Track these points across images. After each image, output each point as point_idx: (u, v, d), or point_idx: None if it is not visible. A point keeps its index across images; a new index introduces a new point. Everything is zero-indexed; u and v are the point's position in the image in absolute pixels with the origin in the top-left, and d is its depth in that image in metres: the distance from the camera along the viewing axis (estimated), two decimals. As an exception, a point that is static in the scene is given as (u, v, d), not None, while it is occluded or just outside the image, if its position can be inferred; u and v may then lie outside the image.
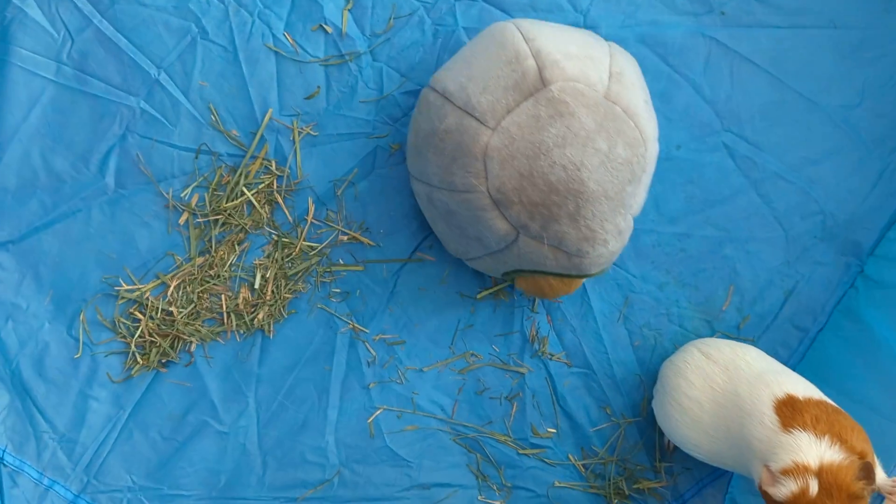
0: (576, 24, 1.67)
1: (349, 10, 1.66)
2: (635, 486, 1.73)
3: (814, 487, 1.26)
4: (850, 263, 1.74)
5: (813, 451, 1.29)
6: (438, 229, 1.61)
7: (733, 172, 1.73)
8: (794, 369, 1.62)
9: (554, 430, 1.73)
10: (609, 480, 1.73)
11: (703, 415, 1.50)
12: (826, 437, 1.30)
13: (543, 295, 1.60)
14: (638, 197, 1.51)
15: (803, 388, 1.42)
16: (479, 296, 1.70)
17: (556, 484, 1.73)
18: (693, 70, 1.71)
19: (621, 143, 1.43)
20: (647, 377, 1.74)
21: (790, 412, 1.36)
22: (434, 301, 1.71)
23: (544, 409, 1.73)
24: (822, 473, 1.27)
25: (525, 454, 1.73)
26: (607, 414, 1.74)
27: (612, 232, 1.47)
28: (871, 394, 1.53)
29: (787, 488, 1.28)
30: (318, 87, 1.66)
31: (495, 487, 1.72)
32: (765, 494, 1.33)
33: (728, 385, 1.49)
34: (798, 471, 1.28)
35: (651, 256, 1.73)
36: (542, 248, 1.47)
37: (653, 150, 1.51)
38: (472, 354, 1.72)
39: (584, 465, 1.73)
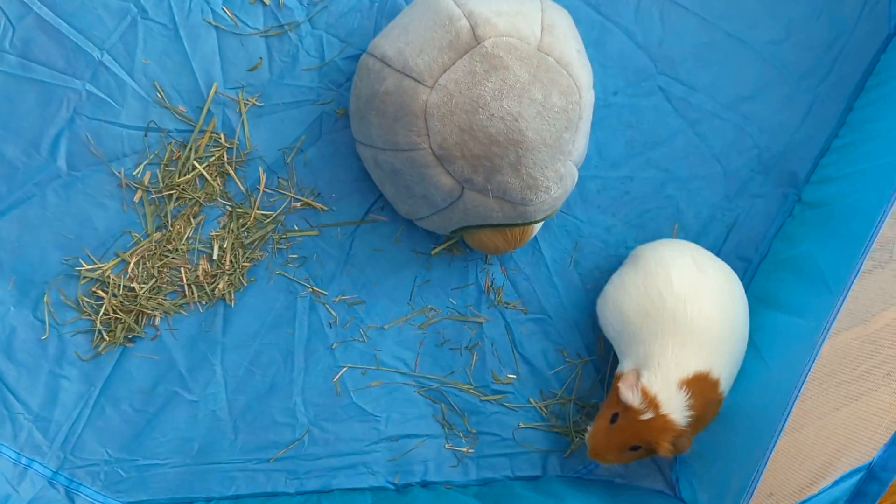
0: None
1: (285, -20, 1.69)
2: (596, 423, 1.80)
3: (646, 416, 1.53)
4: (787, 193, 1.81)
5: (673, 407, 1.54)
6: (387, 191, 1.65)
7: (670, 114, 1.78)
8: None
9: (514, 376, 1.79)
10: (569, 419, 1.80)
11: (640, 302, 1.61)
12: (691, 411, 1.54)
13: (491, 252, 1.66)
14: (577, 143, 1.56)
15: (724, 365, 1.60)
16: (433, 252, 1.76)
17: (520, 426, 1.80)
18: (624, 17, 1.76)
19: (556, 93, 1.48)
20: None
21: (694, 383, 1.55)
22: (390, 260, 1.76)
23: (503, 356, 1.79)
24: (658, 418, 1.53)
25: (487, 400, 1.79)
26: (564, 356, 1.80)
27: (553, 178, 1.52)
28: (810, 308, 1.59)
29: (633, 399, 1.54)
30: (261, 58, 1.70)
31: (461, 434, 1.79)
32: (615, 386, 1.58)
33: (678, 306, 1.58)
34: (650, 400, 1.53)
35: (597, 201, 1.79)
36: (487, 200, 1.52)
37: (588, 97, 1.56)
38: (431, 309, 1.77)
39: (544, 407, 1.80)
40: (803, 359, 1.51)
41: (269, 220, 1.72)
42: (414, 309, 1.77)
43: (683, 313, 1.57)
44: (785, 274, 1.73)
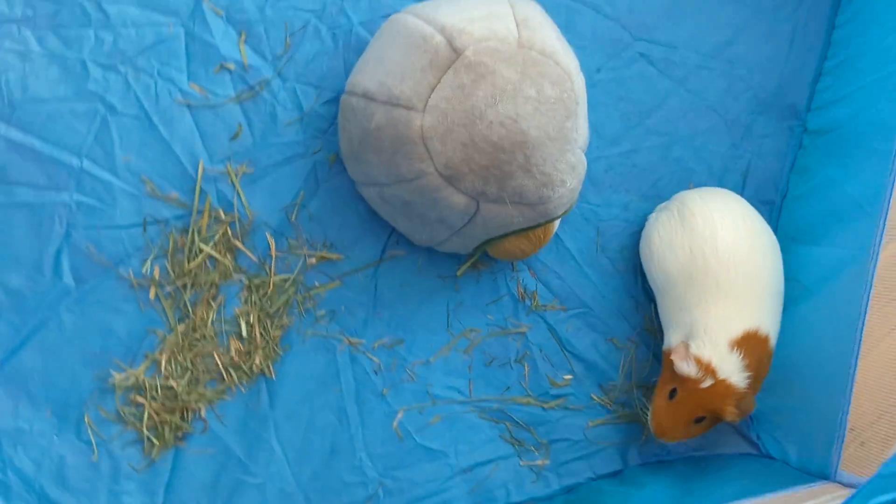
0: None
1: (244, 41, 1.65)
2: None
3: (705, 384, 1.51)
4: (792, 126, 1.78)
5: (730, 370, 1.52)
6: (400, 225, 1.61)
7: (657, 78, 1.75)
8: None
9: (570, 377, 1.75)
10: (636, 405, 1.76)
11: (685, 264, 1.59)
12: (748, 371, 1.53)
13: (517, 258, 1.62)
14: (580, 129, 1.53)
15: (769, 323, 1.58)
16: (459, 273, 1.71)
17: (589, 425, 1.75)
18: (588, -7, 1.73)
19: (548, 84, 1.44)
20: (640, 295, 1.77)
21: (745, 342, 1.53)
22: (419, 292, 1.72)
23: (554, 359, 1.75)
24: (717, 383, 1.51)
25: (550, 407, 1.74)
26: (614, 344, 1.76)
27: (566, 170, 1.49)
28: (848, 233, 1.56)
29: (690, 369, 1.50)
30: (239, 124, 1.66)
31: (533, 448, 1.74)
32: (667, 362, 1.56)
33: (721, 269, 1.55)
34: (706, 367, 1.51)
35: (607, 182, 1.76)
36: (505, 209, 1.48)
37: (579, 80, 1.53)
38: (472, 330, 1.73)
39: (608, 399, 1.76)
40: (858, 284, 1.47)
41: (288, 283, 1.67)
42: (454, 335, 1.73)
43: (727, 276, 1.54)
44: (810, 206, 1.70)
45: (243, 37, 1.66)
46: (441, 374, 1.72)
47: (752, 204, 1.73)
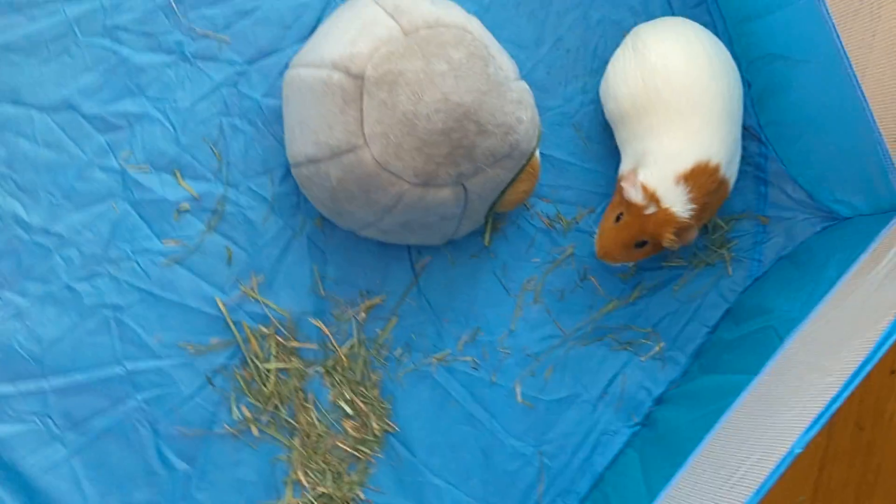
0: None
1: (181, 178, 1.68)
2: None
3: (648, 210, 1.55)
4: None
5: (674, 200, 1.55)
6: (411, 240, 1.64)
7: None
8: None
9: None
10: (701, 247, 1.78)
11: (637, 94, 1.60)
12: (692, 204, 1.55)
13: (524, 199, 1.64)
14: (503, 64, 1.52)
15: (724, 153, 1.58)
16: (486, 243, 1.74)
17: (675, 290, 1.78)
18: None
19: (451, 50, 1.45)
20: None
21: (693, 175, 1.55)
22: (464, 281, 1.76)
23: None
24: (660, 212, 1.55)
25: (635, 298, 1.78)
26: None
27: (515, 108, 1.50)
28: None
29: (636, 195, 1.54)
30: (226, 248, 1.69)
31: (644, 340, 1.78)
32: (619, 188, 1.59)
33: (672, 98, 1.57)
34: (650, 195, 1.54)
35: (554, 81, 1.77)
36: (486, 174, 1.50)
37: (474, 24, 1.53)
38: (529, 281, 1.77)
39: (678, 259, 1.78)
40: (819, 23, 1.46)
41: (355, 347, 1.72)
42: (516, 294, 1.76)
43: (677, 106, 1.56)
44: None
45: (178, 174, 1.68)
46: (528, 333, 1.76)
47: (685, 10, 1.73)
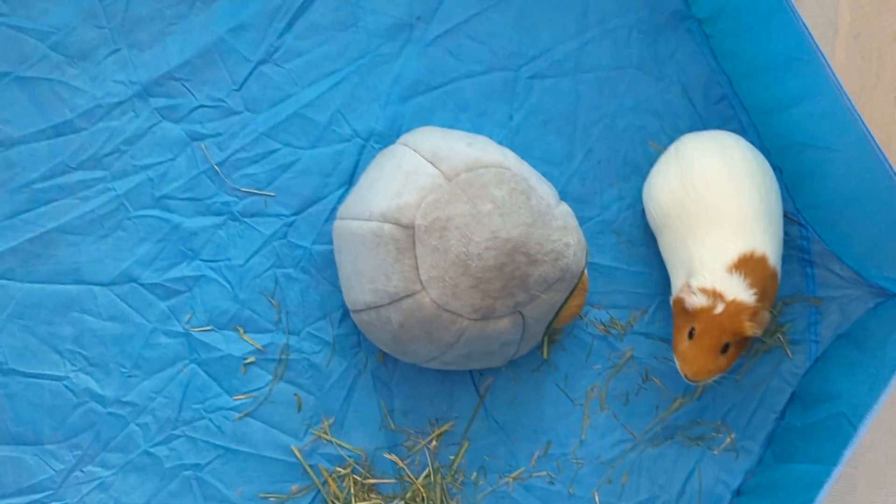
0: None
1: (244, 333, 1.73)
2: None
3: (718, 309, 1.56)
4: (689, 28, 1.82)
5: (735, 289, 1.57)
6: (473, 366, 1.68)
7: (554, 84, 1.81)
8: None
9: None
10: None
11: (678, 195, 1.65)
12: (753, 288, 1.58)
13: (578, 313, 1.68)
14: (543, 193, 1.58)
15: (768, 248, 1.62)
16: (546, 357, 1.77)
17: (738, 379, 1.80)
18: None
19: (493, 189, 1.50)
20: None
21: (741, 265, 1.59)
22: (529, 397, 1.78)
23: (672, 354, 1.80)
24: (729, 304, 1.56)
25: (700, 393, 1.80)
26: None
27: (561, 234, 1.54)
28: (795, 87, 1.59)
29: (699, 300, 1.57)
30: (295, 395, 1.74)
31: (714, 434, 1.79)
32: (678, 309, 1.63)
33: (709, 196, 1.63)
34: (713, 293, 1.57)
35: (590, 192, 1.81)
36: (541, 299, 1.54)
37: (511, 159, 1.58)
38: (592, 388, 1.79)
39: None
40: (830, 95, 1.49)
41: (431, 476, 1.74)
42: (582, 404, 1.79)
43: (714, 204, 1.61)
44: (764, 80, 1.73)
45: (241, 331, 1.73)
46: (599, 440, 1.78)
47: (708, 107, 1.79)
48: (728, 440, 1.79)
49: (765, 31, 1.58)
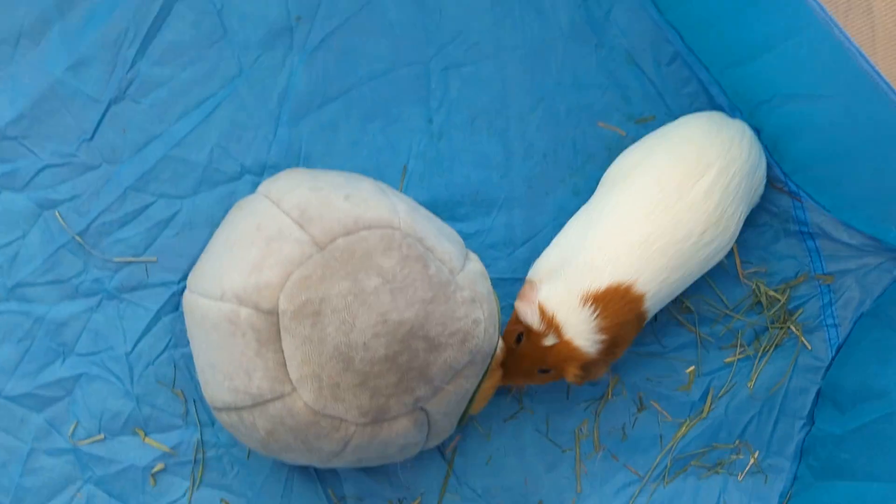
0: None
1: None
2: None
3: (547, 341, 1.27)
4: None
5: (577, 330, 1.27)
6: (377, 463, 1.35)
7: (478, 72, 1.49)
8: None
9: (692, 368, 1.50)
10: (766, 335, 1.51)
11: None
12: (601, 335, 1.28)
13: (491, 395, 1.37)
14: (443, 253, 1.24)
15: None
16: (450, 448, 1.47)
17: (750, 388, 1.50)
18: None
19: (379, 257, 1.17)
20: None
21: (603, 299, 1.28)
22: (506, 452, 1.48)
23: (663, 371, 1.50)
24: (561, 344, 1.27)
25: (709, 412, 1.49)
26: (692, 313, 1.52)
27: (469, 307, 1.22)
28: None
29: (531, 318, 1.27)
30: (223, 501, 1.40)
31: (735, 456, 1.49)
32: (527, 286, 1.32)
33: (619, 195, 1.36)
34: (548, 322, 1.27)
35: (538, 192, 1.50)
36: (447, 390, 1.23)
37: (401, 213, 1.24)
38: (579, 429, 1.48)
39: (739, 347, 1.51)
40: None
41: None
42: (570, 448, 1.48)
43: (615, 204, 1.34)
44: (719, 30, 1.44)
45: (142, 434, 1.43)
46: (600, 489, 1.48)
47: (659, 70, 1.50)
48: (752, 461, 1.49)
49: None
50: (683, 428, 1.48)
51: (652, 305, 1.32)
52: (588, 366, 1.28)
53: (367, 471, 1.43)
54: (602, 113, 1.50)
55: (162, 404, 1.41)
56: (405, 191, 1.47)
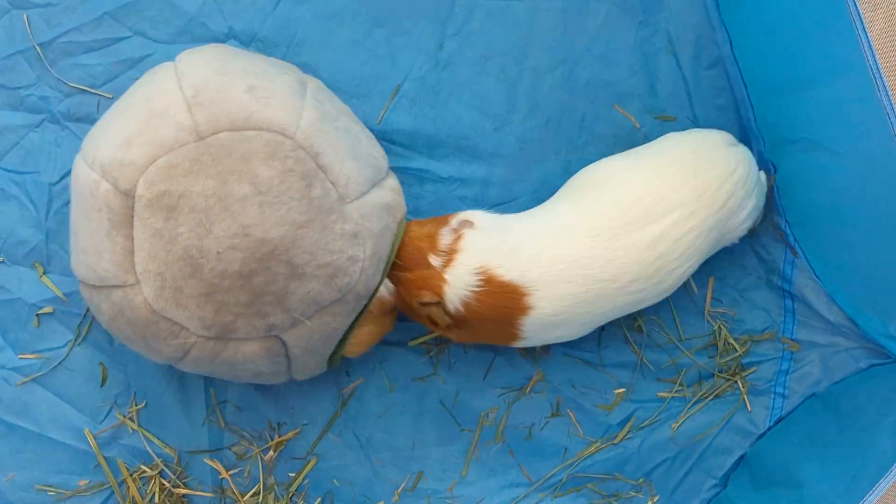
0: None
1: (43, 274, 1.31)
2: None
3: (434, 261, 1.17)
4: None
5: (459, 279, 1.16)
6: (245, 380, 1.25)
7: (504, 9, 1.36)
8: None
9: (622, 390, 1.39)
10: (709, 373, 1.40)
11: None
12: (463, 302, 1.16)
13: (372, 343, 1.27)
14: (339, 178, 1.12)
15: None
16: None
17: (674, 429, 1.39)
18: None
19: (259, 165, 1.06)
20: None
21: (493, 284, 1.17)
22: (403, 410, 1.39)
23: (592, 384, 1.39)
24: (437, 272, 1.17)
25: (622, 439, 1.38)
26: (640, 331, 1.40)
27: (347, 244, 1.11)
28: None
29: (447, 235, 1.18)
30: (100, 364, 1.32)
31: (633, 493, 1.39)
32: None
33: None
34: (451, 249, 1.17)
35: (530, 157, 1.38)
36: (309, 325, 1.12)
37: (303, 122, 1.11)
38: (488, 413, 1.39)
39: (678, 386, 1.39)
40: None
41: (262, 495, 1.34)
42: (472, 430, 1.39)
43: (564, 209, 1.24)
44: (761, 48, 1.29)
45: (41, 270, 1.34)
46: (485, 480, 1.38)
47: (697, 72, 1.35)
48: (649, 503, 1.39)
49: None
50: (592, 447, 1.38)
51: (533, 331, 1.20)
52: (435, 310, 1.17)
53: (258, 385, 1.34)
54: (622, 96, 1.37)
55: (69, 247, 1.33)
56: (391, 112, 1.35)
